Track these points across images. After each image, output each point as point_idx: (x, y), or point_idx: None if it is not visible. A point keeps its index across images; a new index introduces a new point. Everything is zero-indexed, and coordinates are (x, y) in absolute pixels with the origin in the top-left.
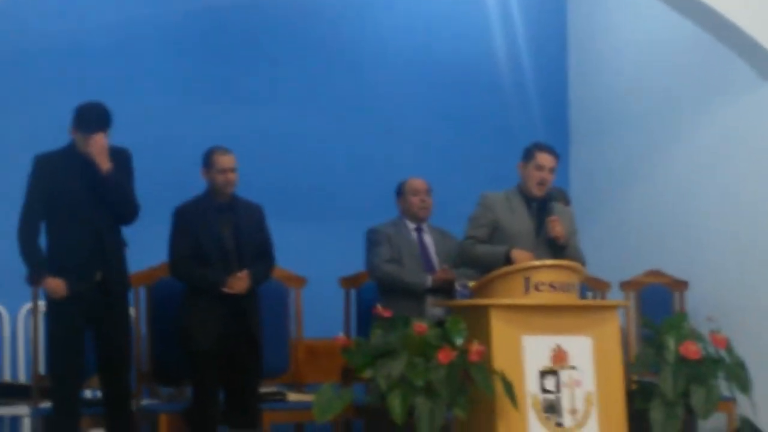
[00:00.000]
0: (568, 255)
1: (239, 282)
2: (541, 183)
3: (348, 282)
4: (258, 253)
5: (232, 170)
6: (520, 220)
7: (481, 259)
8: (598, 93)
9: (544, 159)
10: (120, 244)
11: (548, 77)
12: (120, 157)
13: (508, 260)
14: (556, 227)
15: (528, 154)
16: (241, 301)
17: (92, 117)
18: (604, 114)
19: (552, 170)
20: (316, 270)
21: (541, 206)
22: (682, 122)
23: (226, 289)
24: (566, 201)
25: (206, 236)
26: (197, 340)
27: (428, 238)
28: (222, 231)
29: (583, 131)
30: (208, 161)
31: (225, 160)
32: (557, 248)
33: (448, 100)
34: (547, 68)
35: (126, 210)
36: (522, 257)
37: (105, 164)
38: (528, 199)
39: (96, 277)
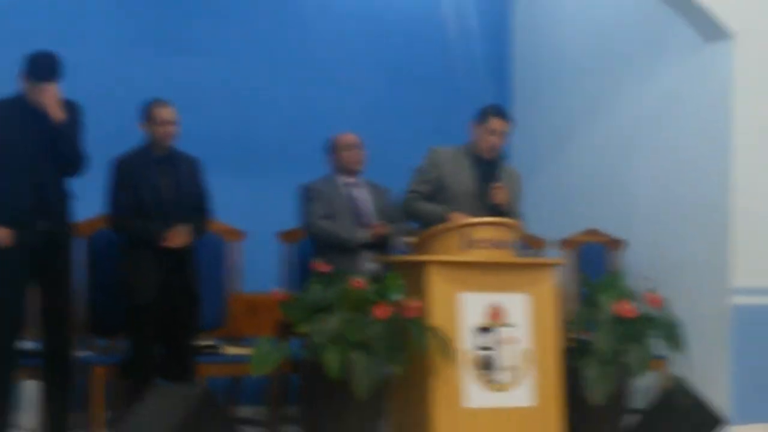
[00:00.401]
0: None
1: (179, 236)
2: (492, 148)
3: (286, 236)
4: (195, 206)
5: (172, 123)
6: (465, 180)
7: (421, 217)
8: (542, 50)
9: (497, 124)
10: (65, 196)
11: (492, 32)
12: (70, 109)
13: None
14: (500, 194)
15: (482, 116)
16: (180, 255)
17: (46, 66)
18: (547, 72)
19: (503, 135)
20: (254, 224)
21: (489, 168)
22: (624, 82)
23: (165, 243)
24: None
25: (145, 189)
26: (137, 293)
27: (362, 193)
28: (161, 184)
29: (525, 88)
30: (147, 114)
31: (165, 113)
32: (498, 214)
33: (392, 54)
34: (491, 23)
35: (74, 162)
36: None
37: (58, 114)
38: (477, 159)
39: (39, 227)
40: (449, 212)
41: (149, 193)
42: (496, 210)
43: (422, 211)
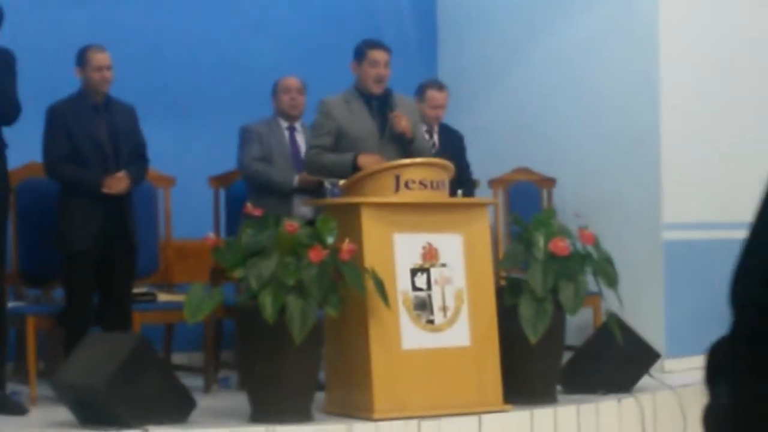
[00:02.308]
0: (415, 148)
1: (118, 182)
2: (379, 80)
3: (217, 181)
4: (134, 154)
5: (108, 68)
6: (362, 122)
7: (329, 169)
8: None
9: (377, 54)
10: (1, 145)
11: None
12: (3, 57)
13: (355, 168)
14: (401, 122)
15: (359, 53)
16: (118, 203)
17: None
18: (472, 10)
19: (387, 64)
20: (184, 169)
21: (381, 103)
22: (551, 17)
23: (104, 190)
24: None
25: (82, 136)
26: (74, 241)
27: (301, 138)
28: (98, 131)
29: (450, 27)
30: (82, 59)
31: (100, 58)
32: (404, 143)
33: None
34: None
35: (7, 111)
36: (368, 161)
37: None
38: (367, 97)
39: None
40: (356, 156)
41: (86, 141)
42: (400, 140)
43: (330, 163)
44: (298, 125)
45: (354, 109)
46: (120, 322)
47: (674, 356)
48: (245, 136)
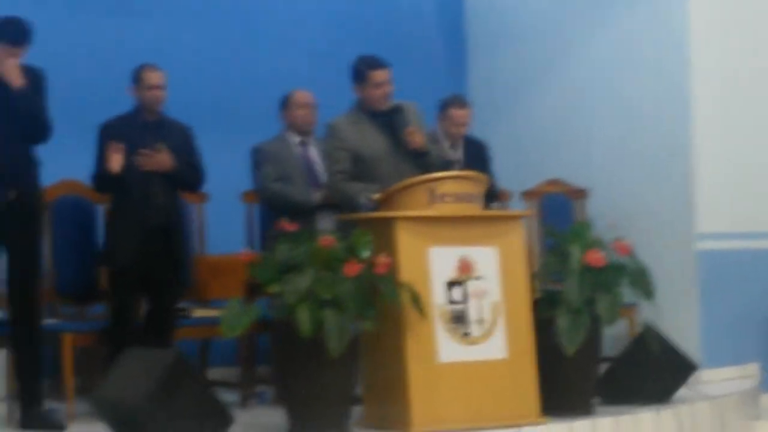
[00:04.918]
0: (431, 160)
1: (159, 156)
2: (384, 98)
3: (250, 197)
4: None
5: (161, 88)
6: (374, 141)
7: (345, 200)
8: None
9: (379, 76)
10: (33, 162)
11: None
12: (33, 76)
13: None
14: (416, 138)
15: (360, 75)
16: (166, 219)
17: (15, 31)
18: (502, 22)
19: (390, 81)
20: (217, 185)
21: (388, 118)
22: (580, 30)
23: (139, 162)
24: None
25: (132, 154)
26: (118, 257)
27: (314, 152)
28: (149, 149)
29: (480, 39)
30: (136, 78)
31: (154, 77)
32: (419, 156)
33: (342, 10)
34: None
35: (37, 129)
36: None
37: (17, 81)
38: (373, 114)
39: (10, 196)
40: (374, 193)
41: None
42: (418, 155)
43: (346, 193)
44: (310, 139)
45: (363, 128)
46: (163, 338)
47: (710, 367)
48: (258, 157)
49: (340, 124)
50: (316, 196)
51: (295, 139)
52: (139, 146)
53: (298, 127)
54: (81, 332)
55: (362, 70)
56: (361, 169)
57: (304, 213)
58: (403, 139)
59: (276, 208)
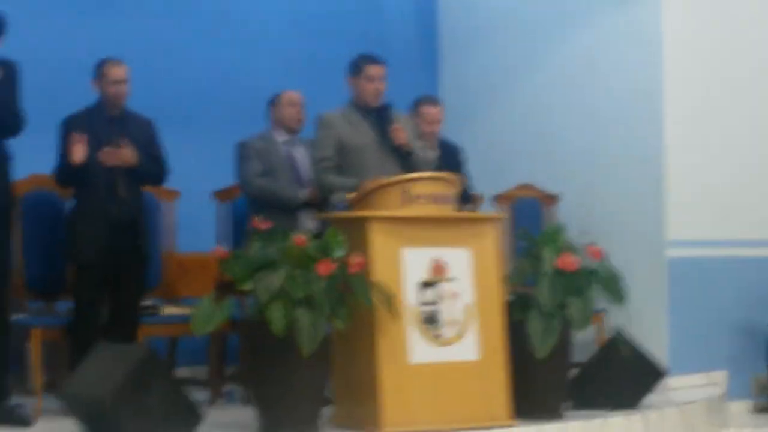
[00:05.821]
0: (414, 162)
1: (122, 151)
2: (376, 93)
3: (221, 195)
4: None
5: (124, 82)
6: (361, 133)
7: (332, 191)
8: (470, 4)
9: (374, 70)
10: (4, 156)
11: None
12: (6, 69)
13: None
14: (401, 135)
15: (356, 68)
16: (129, 215)
17: None
18: (474, 25)
19: (383, 78)
20: (188, 183)
21: (379, 116)
22: (554, 34)
23: (102, 158)
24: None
25: (96, 149)
26: (83, 253)
27: (298, 152)
28: (112, 144)
29: (452, 43)
30: (99, 72)
31: (117, 72)
32: (403, 156)
33: (314, 10)
34: None
35: (9, 123)
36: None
37: None
38: (365, 110)
39: None
40: (350, 191)
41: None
42: (399, 152)
43: (337, 184)
44: (295, 139)
45: (353, 121)
46: (127, 334)
47: (678, 374)
48: (243, 152)
49: (329, 114)
50: (303, 193)
51: (280, 137)
52: (102, 140)
53: (288, 125)
54: (50, 327)
55: (358, 63)
56: (346, 158)
57: (290, 209)
58: (389, 135)
59: (262, 203)
